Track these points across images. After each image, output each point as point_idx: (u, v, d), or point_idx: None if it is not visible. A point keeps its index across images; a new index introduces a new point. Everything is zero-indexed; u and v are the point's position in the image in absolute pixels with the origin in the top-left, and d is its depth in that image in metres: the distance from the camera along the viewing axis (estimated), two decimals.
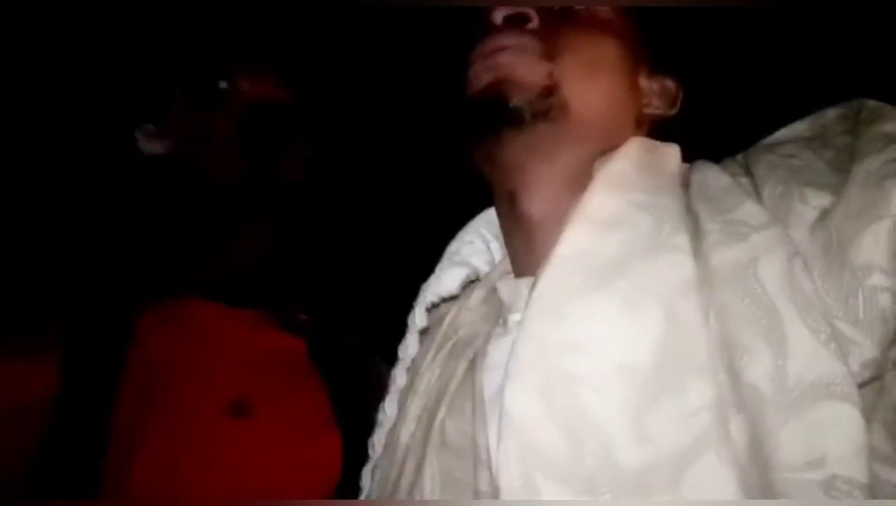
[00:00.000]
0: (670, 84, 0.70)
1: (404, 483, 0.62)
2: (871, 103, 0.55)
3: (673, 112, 0.70)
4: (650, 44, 0.69)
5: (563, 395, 0.49)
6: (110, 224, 0.91)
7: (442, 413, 0.63)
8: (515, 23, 0.65)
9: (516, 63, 0.63)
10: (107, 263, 0.89)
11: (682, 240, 0.52)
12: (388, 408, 0.70)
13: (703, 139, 0.63)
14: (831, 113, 0.58)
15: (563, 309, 0.52)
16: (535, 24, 0.65)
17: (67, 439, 0.77)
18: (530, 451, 0.48)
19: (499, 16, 0.66)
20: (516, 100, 0.61)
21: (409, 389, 0.69)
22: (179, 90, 0.92)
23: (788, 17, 0.95)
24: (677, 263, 0.51)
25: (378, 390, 0.77)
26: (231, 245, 0.93)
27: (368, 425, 0.74)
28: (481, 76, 0.63)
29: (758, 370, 0.46)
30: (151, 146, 0.91)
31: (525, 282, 0.63)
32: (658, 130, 0.69)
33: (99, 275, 0.88)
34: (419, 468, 0.61)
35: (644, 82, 0.69)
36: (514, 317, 0.63)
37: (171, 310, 0.90)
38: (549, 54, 0.63)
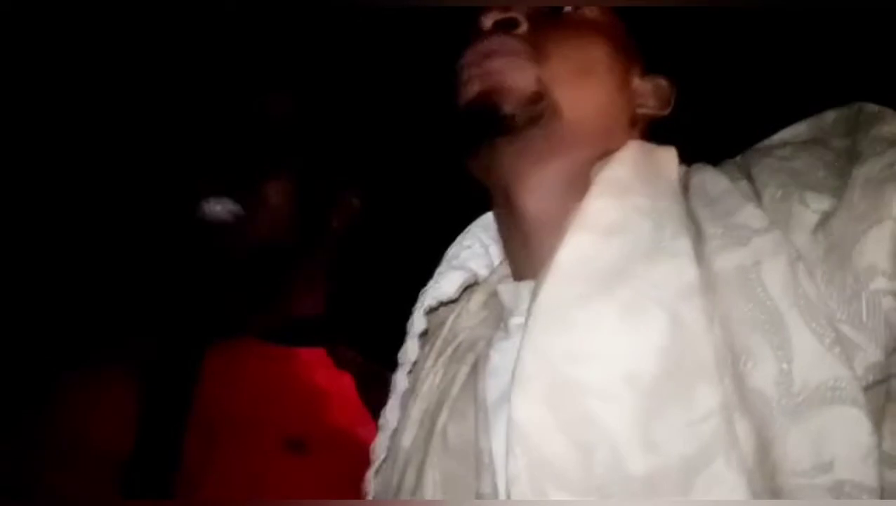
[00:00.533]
0: (663, 83, 0.70)
1: (406, 487, 0.62)
2: (871, 106, 0.55)
3: (667, 111, 0.70)
4: (643, 43, 0.69)
5: (570, 404, 0.49)
6: (177, 279, 0.99)
7: (443, 417, 0.63)
8: (504, 27, 0.65)
9: (505, 69, 0.62)
10: (176, 313, 0.96)
11: (684, 244, 0.52)
12: (390, 413, 0.70)
13: (700, 140, 0.63)
14: (830, 115, 0.58)
15: (566, 318, 0.52)
16: (523, 28, 0.65)
17: (143, 480, 0.81)
18: (540, 462, 0.48)
19: (488, 20, 0.65)
20: (507, 108, 0.61)
21: (410, 393, 0.69)
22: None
23: (787, 18, 0.95)
24: (680, 268, 0.51)
25: None
26: (285, 292, 0.98)
27: None
28: (471, 86, 0.63)
29: (763, 375, 0.47)
30: (217, 212, 0.94)
31: (525, 285, 0.62)
32: (655, 131, 0.69)
33: (169, 323, 0.95)
34: (420, 472, 0.61)
35: (637, 82, 0.69)
36: (516, 320, 0.62)
37: (232, 352, 0.93)
38: (539, 59, 0.63)
